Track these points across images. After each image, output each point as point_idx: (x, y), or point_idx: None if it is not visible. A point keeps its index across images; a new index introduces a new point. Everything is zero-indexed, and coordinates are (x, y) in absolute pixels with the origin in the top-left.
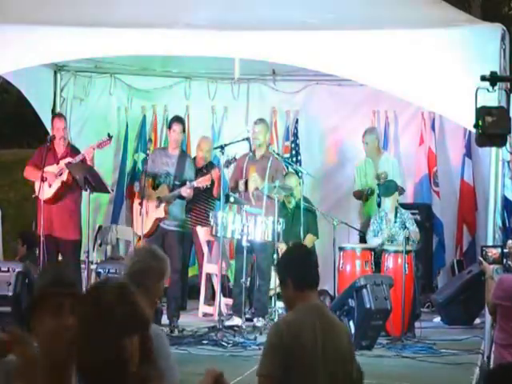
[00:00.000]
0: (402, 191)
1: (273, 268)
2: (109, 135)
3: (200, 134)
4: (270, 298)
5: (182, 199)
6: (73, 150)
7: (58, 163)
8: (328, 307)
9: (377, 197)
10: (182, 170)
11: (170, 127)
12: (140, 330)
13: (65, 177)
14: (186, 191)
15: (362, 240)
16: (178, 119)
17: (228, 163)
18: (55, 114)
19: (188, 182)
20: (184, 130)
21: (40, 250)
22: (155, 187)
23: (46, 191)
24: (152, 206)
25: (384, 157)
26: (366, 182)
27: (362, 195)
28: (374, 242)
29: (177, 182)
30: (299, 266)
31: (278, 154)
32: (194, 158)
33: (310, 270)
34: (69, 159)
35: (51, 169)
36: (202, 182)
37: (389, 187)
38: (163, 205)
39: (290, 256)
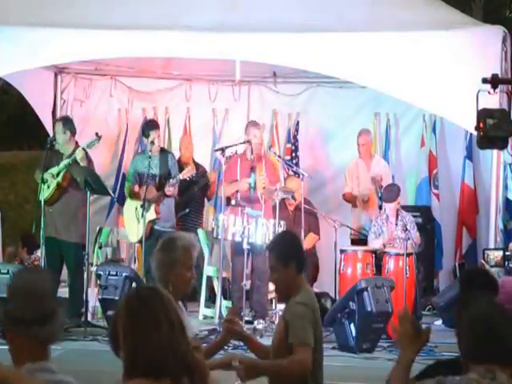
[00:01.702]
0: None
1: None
2: (97, 135)
3: (201, 135)
4: (271, 300)
5: (170, 197)
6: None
7: (58, 165)
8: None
9: (378, 200)
10: (165, 168)
11: (148, 135)
12: None
13: (60, 178)
14: (169, 190)
15: (354, 242)
16: (154, 126)
17: (229, 159)
18: (59, 118)
19: (170, 180)
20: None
21: (39, 252)
22: (143, 189)
23: (44, 192)
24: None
25: (375, 159)
26: (357, 184)
27: (356, 200)
28: (375, 243)
29: (163, 181)
30: (301, 250)
31: (279, 157)
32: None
33: (304, 253)
34: (67, 160)
35: (52, 170)
36: (186, 173)
37: (391, 191)
38: (153, 206)
39: (291, 240)
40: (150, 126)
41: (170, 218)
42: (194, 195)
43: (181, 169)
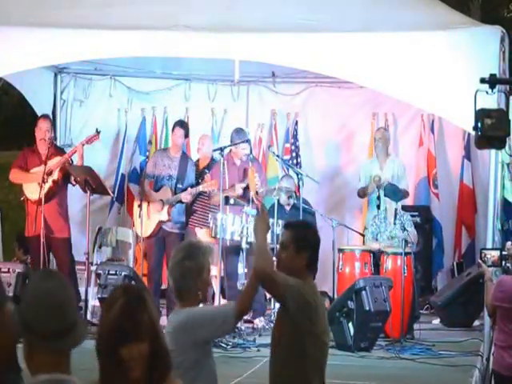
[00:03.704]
0: (406, 195)
1: None
2: (97, 130)
3: (200, 135)
4: (270, 299)
5: (182, 203)
6: (58, 150)
7: (45, 164)
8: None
9: (376, 199)
10: (183, 173)
11: (172, 130)
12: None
13: (56, 176)
14: (186, 197)
15: None
16: (181, 124)
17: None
18: (41, 115)
19: (189, 188)
20: (186, 135)
21: (41, 252)
22: (157, 189)
23: (34, 192)
24: (154, 208)
25: (390, 159)
26: (370, 182)
27: (367, 190)
28: (372, 245)
29: (179, 186)
30: (317, 250)
31: (277, 156)
32: (198, 160)
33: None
34: (58, 158)
35: (39, 169)
36: (208, 186)
37: (396, 192)
38: (166, 207)
39: (314, 234)
40: (179, 123)
41: (178, 220)
42: (200, 195)
43: (198, 172)
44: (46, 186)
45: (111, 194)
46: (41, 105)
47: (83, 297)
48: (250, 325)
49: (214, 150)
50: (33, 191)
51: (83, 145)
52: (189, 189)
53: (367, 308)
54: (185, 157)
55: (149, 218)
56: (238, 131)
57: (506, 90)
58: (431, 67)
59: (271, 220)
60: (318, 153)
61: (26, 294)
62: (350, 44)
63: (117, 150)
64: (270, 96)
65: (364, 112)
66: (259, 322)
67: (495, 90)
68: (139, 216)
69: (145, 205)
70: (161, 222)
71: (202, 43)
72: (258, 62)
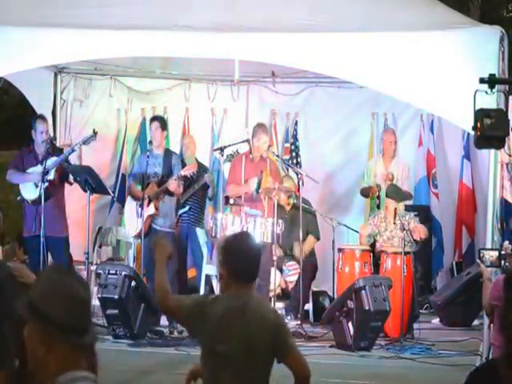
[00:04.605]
0: (410, 197)
1: (271, 268)
2: (94, 131)
3: (200, 135)
4: (270, 298)
5: (171, 195)
6: (55, 150)
7: (42, 163)
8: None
9: (376, 199)
10: (168, 167)
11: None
12: None
13: (52, 176)
14: (171, 185)
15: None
16: (153, 118)
17: (231, 156)
18: (38, 116)
19: (172, 177)
20: (163, 128)
21: (41, 252)
22: (145, 187)
23: (32, 192)
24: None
25: (395, 160)
26: (374, 182)
27: (370, 192)
28: (366, 229)
29: (165, 180)
30: (237, 259)
31: (277, 156)
32: (183, 159)
33: (246, 264)
34: (54, 158)
35: (35, 170)
36: (187, 170)
37: (398, 192)
38: (152, 202)
39: (234, 245)
40: (153, 117)
41: (169, 218)
42: (194, 193)
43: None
44: (43, 187)
45: (111, 194)
46: (41, 105)
47: None
48: None
49: (215, 150)
50: (29, 191)
51: (80, 146)
52: (171, 177)
53: (367, 307)
54: (168, 152)
55: (138, 217)
56: (260, 125)
57: (506, 89)
58: (431, 67)
59: (271, 220)
60: (317, 153)
61: (46, 286)
62: (350, 44)
63: (117, 150)
64: (269, 96)
65: (364, 112)
66: None
67: (494, 90)
68: (140, 215)
69: (134, 204)
70: (150, 217)
71: (202, 43)
72: (258, 61)
